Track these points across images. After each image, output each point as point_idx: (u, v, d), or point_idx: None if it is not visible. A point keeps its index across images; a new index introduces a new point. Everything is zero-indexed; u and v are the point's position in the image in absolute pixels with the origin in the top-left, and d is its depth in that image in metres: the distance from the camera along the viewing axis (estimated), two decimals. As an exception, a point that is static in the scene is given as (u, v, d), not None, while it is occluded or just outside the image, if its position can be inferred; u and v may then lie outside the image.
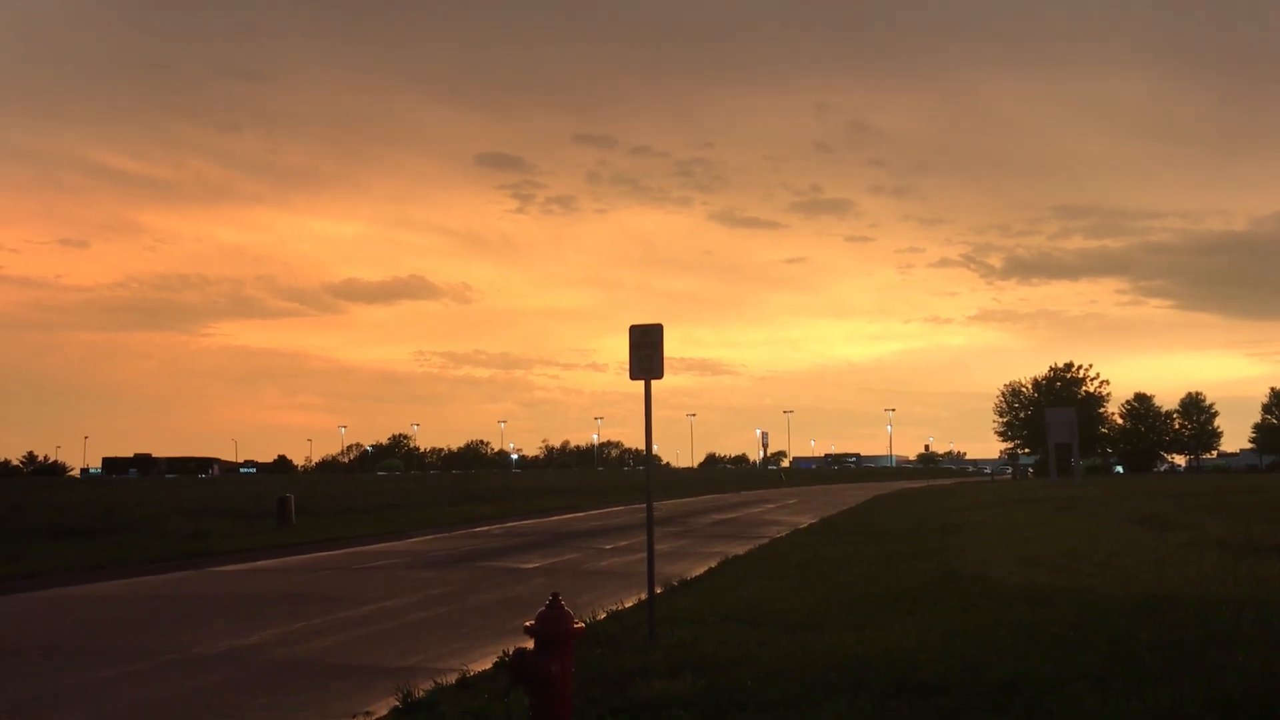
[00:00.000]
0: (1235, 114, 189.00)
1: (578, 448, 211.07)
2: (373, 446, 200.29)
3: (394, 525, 33.36)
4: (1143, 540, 19.96)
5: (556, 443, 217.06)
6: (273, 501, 34.09)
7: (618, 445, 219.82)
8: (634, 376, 11.82)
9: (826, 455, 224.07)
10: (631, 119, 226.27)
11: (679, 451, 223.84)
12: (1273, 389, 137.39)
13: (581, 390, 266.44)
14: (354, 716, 8.55)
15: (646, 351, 11.78)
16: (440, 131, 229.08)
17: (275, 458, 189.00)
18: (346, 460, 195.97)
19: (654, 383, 11.85)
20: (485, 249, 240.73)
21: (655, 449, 12.40)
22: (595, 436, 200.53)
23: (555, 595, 6.98)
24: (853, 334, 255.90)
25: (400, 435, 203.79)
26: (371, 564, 22.00)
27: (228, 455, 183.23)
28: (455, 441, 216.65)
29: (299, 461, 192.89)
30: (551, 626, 6.77)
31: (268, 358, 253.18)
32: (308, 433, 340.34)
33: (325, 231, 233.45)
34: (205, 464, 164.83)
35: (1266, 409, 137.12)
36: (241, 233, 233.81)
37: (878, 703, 7.97)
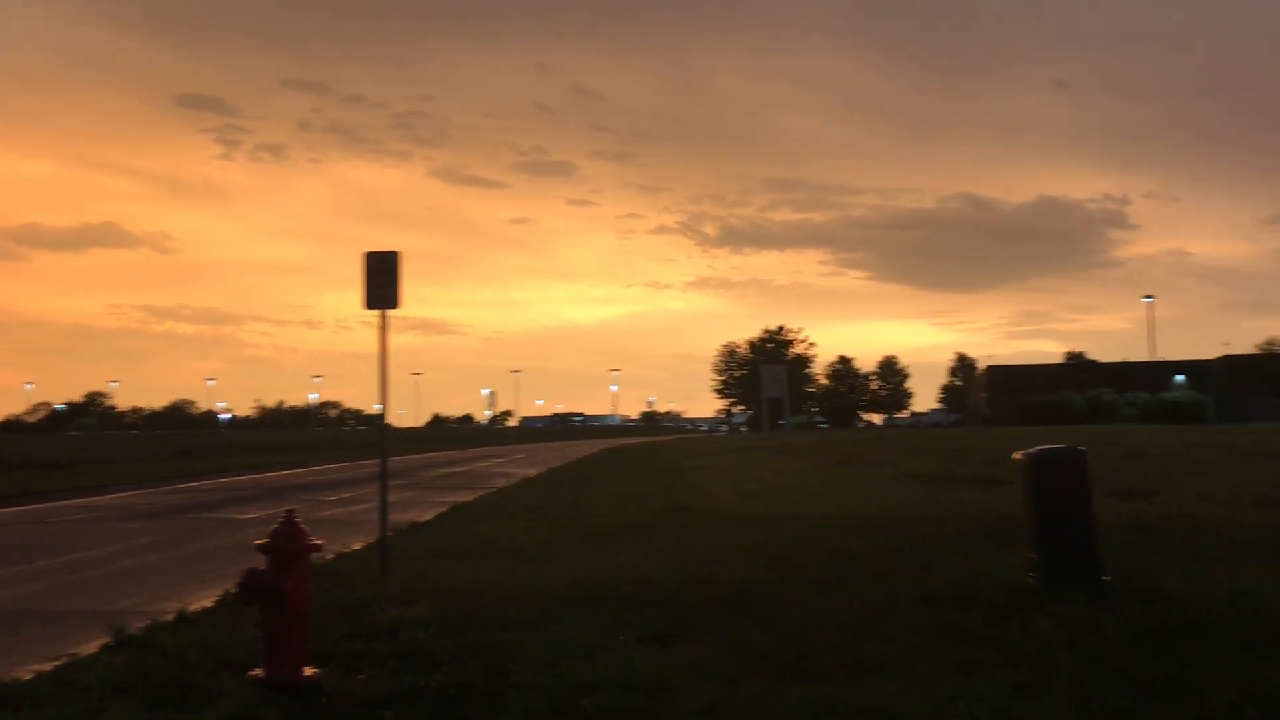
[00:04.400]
0: (928, 99, 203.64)
1: (294, 408, 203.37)
2: (64, 405, 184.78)
3: (95, 480, 30.93)
4: (851, 476, 21.37)
5: (271, 402, 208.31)
6: (-51, 458, 30.83)
7: (337, 405, 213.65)
8: (369, 306, 11.39)
9: (553, 415, 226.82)
10: (345, 66, 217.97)
11: (404, 411, 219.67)
12: (958, 354, 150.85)
13: (297, 348, 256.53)
14: (57, 658, 7.83)
15: (382, 280, 11.38)
16: (136, 68, 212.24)
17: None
18: (34, 420, 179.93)
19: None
20: (188, 196, 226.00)
21: (379, 409, 12.02)
22: (314, 396, 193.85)
23: (290, 511, 6.65)
24: (578, 296, 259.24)
25: (96, 393, 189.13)
26: (72, 517, 20.29)
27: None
28: (159, 400, 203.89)
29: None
30: (287, 541, 6.45)
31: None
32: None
33: (2, 170, 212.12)
34: None
35: (952, 372, 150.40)
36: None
37: (615, 614, 8.11)
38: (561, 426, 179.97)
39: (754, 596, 8.52)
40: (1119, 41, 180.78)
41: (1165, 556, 9.35)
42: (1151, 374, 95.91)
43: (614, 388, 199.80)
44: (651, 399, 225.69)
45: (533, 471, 35.94)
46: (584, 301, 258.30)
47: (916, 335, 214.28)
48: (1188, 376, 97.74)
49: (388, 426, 12.37)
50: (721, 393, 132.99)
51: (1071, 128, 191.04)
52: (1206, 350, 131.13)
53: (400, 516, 17.69)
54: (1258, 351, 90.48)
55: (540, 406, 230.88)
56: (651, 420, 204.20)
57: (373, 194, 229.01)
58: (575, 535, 13.79)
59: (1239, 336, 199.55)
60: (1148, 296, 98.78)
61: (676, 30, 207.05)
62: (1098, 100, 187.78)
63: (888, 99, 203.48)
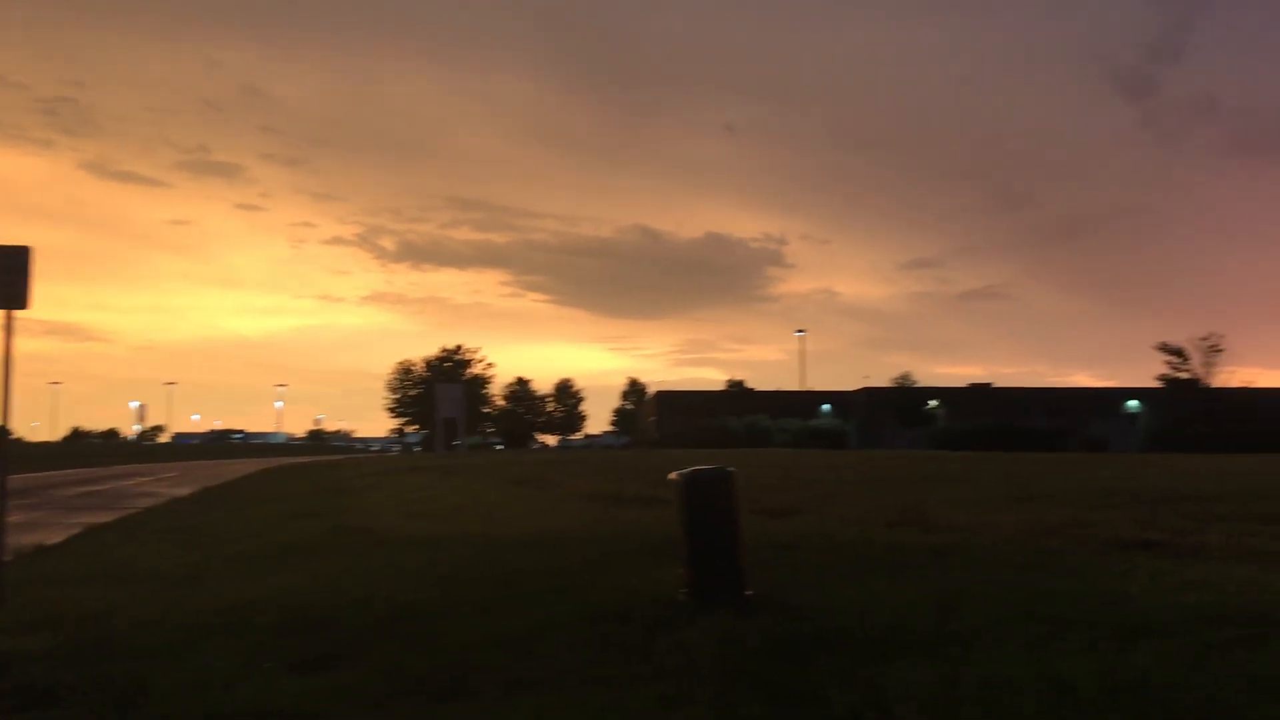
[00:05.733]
0: (608, 131, 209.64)
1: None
2: None
3: None
4: (522, 496, 21.48)
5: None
6: None
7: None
8: (-8, 304, 10.27)
9: (211, 431, 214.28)
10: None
11: (37, 424, 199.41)
12: (630, 379, 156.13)
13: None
14: None
15: (10, 276, 10.30)
16: None
17: None
18: None
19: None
20: None
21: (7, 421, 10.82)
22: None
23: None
24: (243, 306, 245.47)
25: None
26: None
27: None
28: None
29: None
30: None
31: None
32: None
33: None
34: None
35: (624, 396, 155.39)
36: None
37: (264, 641, 7.70)
38: (219, 444, 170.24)
39: (415, 618, 8.34)
40: (783, 93, 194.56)
41: (803, 572, 10.00)
42: (802, 402, 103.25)
43: (279, 404, 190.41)
44: (320, 417, 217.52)
45: (184, 491, 33.64)
46: (249, 312, 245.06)
47: (593, 359, 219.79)
48: (833, 405, 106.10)
49: (13, 439, 11.16)
50: (395, 411, 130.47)
51: (739, 170, 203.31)
52: (850, 382, 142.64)
53: (24, 539, 16.05)
54: (893, 384, 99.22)
55: (197, 422, 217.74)
56: (319, 439, 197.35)
57: (8, 183, 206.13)
58: (226, 558, 13.01)
59: (878, 370, 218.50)
60: (800, 331, 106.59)
61: (356, 37, 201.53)
62: (763, 145, 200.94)
63: (569, 127, 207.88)
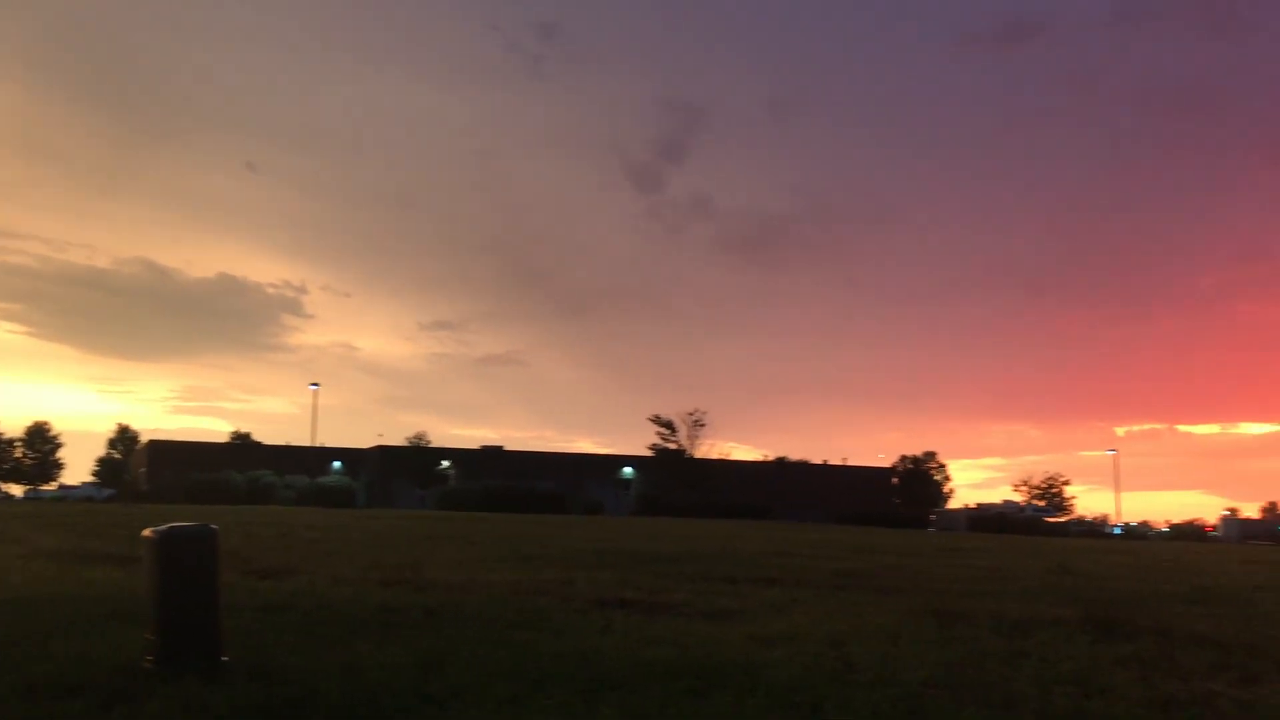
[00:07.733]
0: (112, 154, 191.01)
1: None
2: None
3: None
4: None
5: None
6: None
7: None
8: None
9: None
10: None
11: None
12: (120, 425, 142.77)
13: None
14: None
15: None
16: None
17: None
18: None
19: None
20: None
21: None
22: None
23: None
24: None
25: None
26: None
27: None
28: None
29: None
30: None
31: None
32: None
33: None
34: None
35: (112, 444, 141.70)
36: None
37: None
38: None
39: None
40: (308, 140, 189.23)
41: (288, 635, 9.59)
42: (313, 458, 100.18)
43: None
44: None
45: None
46: None
47: (76, 402, 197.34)
48: (345, 462, 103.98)
49: None
50: None
51: (259, 211, 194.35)
52: (364, 439, 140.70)
53: None
54: (408, 443, 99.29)
55: None
56: None
57: None
58: None
59: (395, 428, 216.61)
60: (314, 384, 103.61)
61: None
62: (285, 190, 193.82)
63: (66, 145, 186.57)
